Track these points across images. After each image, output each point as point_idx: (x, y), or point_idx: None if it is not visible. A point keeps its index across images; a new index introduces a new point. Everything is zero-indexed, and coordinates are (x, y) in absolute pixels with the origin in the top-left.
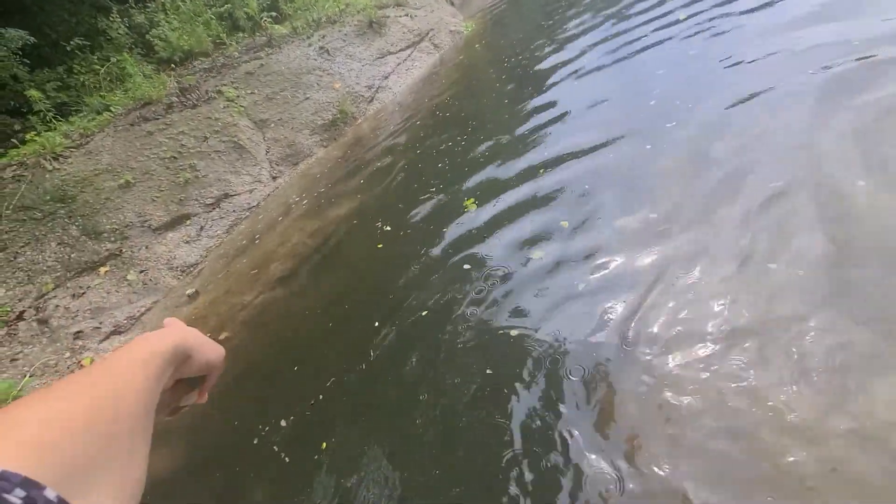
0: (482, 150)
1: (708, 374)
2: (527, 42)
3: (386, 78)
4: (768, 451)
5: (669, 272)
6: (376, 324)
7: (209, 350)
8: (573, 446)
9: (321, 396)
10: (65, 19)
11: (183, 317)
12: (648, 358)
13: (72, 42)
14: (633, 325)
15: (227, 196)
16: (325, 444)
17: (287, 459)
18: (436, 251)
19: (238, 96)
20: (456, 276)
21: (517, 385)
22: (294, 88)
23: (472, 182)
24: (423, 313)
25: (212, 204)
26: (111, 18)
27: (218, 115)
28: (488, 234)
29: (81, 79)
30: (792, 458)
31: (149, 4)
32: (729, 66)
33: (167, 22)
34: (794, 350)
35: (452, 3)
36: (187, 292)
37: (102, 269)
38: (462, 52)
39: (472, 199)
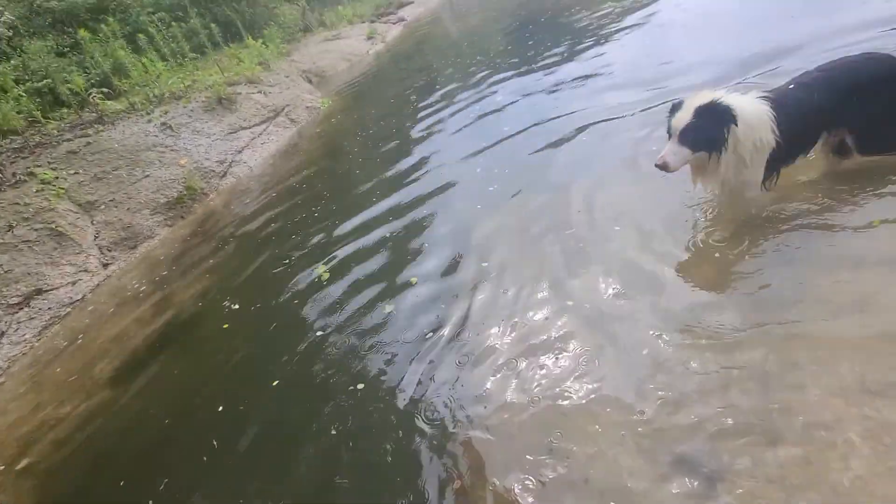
0: (336, 220)
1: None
2: (381, 115)
3: (240, 152)
4: None
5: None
6: (220, 408)
7: None
8: None
9: None
10: None
11: None
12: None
13: None
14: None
15: (39, 292)
16: None
17: None
18: (286, 324)
19: (57, 178)
20: (310, 345)
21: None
22: (130, 166)
23: (325, 251)
24: (272, 387)
25: (17, 304)
26: None
27: (28, 199)
28: (340, 301)
29: None
30: None
31: None
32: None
33: None
34: None
35: (310, 82)
36: None
37: None
38: (320, 126)
39: (325, 269)
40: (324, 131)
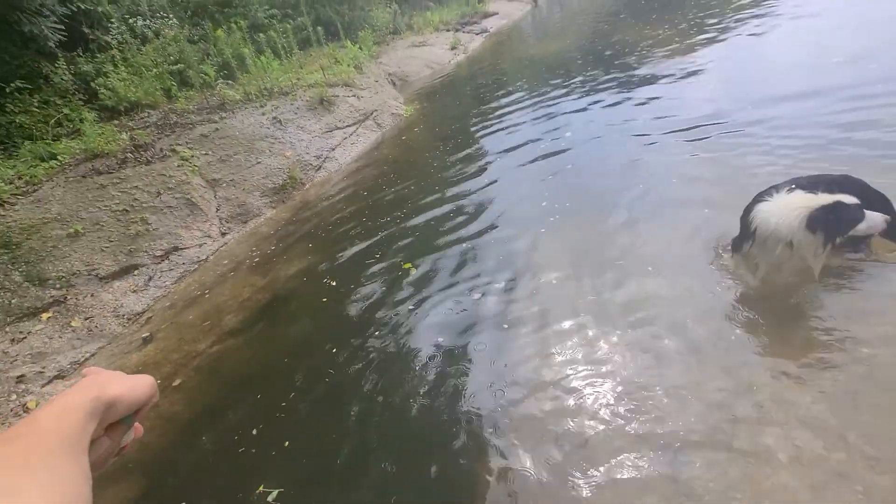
0: (420, 220)
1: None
2: (459, 128)
3: (333, 150)
4: None
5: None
6: (315, 371)
7: (133, 390)
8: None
9: (268, 427)
10: (6, 61)
11: (133, 363)
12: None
13: (11, 84)
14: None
15: (176, 249)
16: (261, 488)
17: (240, 495)
18: (376, 306)
19: (193, 156)
20: (392, 326)
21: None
22: (247, 153)
23: (410, 248)
24: (365, 360)
25: (161, 256)
26: (56, 65)
27: (172, 172)
28: (424, 292)
29: (17, 119)
30: None
31: (97, 55)
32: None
33: (115, 73)
34: None
35: (394, 85)
36: (143, 336)
37: (45, 315)
38: (403, 133)
39: (410, 263)
40: (406, 139)
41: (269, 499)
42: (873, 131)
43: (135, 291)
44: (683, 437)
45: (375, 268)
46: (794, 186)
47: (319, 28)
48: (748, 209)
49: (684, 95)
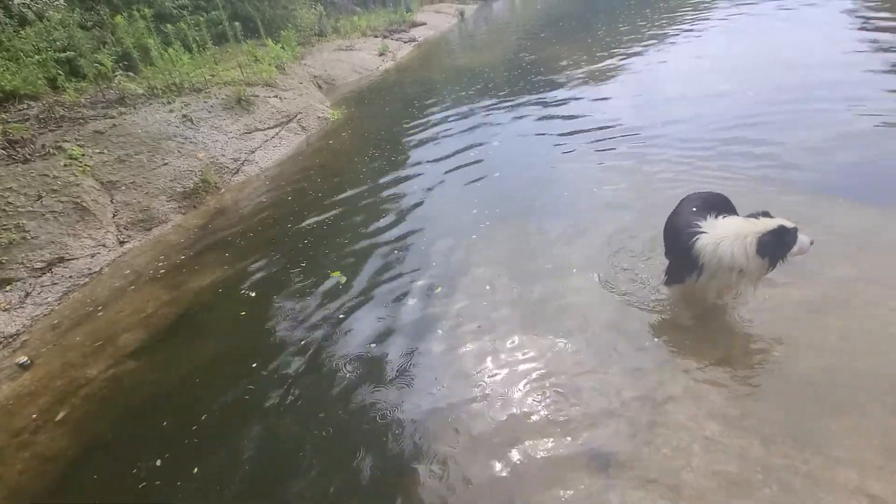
0: (346, 225)
1: None
2: (387, 135)
3: (252, 152)
4: None
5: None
6: (233, 389)
7: None
8: None
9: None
10: None
11: (5, 394)
12: None
13: None
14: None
15: (61, 260)
16: None
17: None
18: (301, 317)
19: (83, 155)
20: (320, 337)
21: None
22: (151, 153)
23: (338, 255)
24: (287, 375)
25: (42, 268)
26: None
27: (57, 172)
28: (353, 301)
29: None
30: None
31: None
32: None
33: None
34: None
35: (320, 88)
36: (17, 361)
37: None
38: (330, 137)
39: (339, 272)
40: (333, 143)
41: None
42: (747, 146)
43: (7, 310)
44: (601, 426)
45: (300, 277)
46: (716, 214)
47: (237, 23)
48: (687, 242)
49: (599, 110)
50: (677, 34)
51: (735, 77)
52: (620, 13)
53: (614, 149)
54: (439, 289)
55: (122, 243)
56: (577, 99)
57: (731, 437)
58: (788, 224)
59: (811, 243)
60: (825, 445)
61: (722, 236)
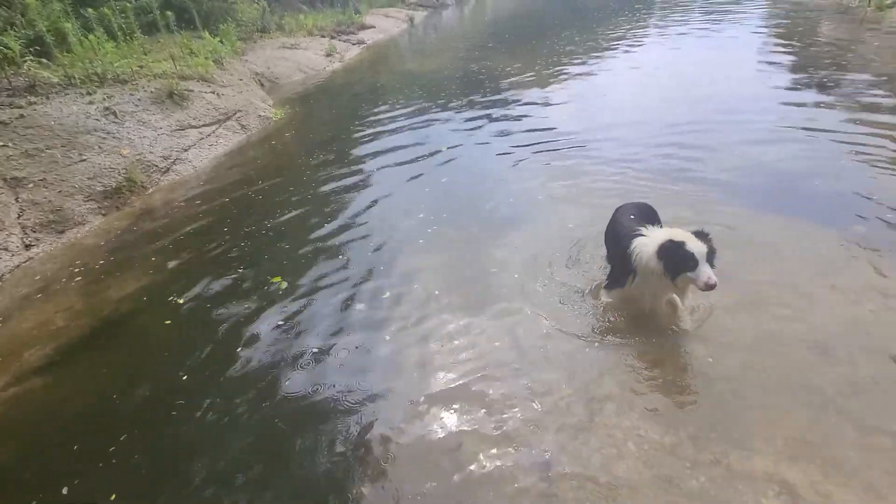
0: (289, 228)
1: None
2: (333, 137)
3: (186, 150)
4: None
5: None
6: (157, 405)
7: None
8: None
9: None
10: None
11: None
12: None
13: None
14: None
15: None
16: None
17: None
18: (237, 324)
19: None
20: (257, 346)
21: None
22: (66, 148)
23: (279, 260)
24: (219, 387)
25: None
26: None
27: None
28: (295, 306)
29: None
30: None
31: None
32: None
33: None
34: None
35: (262, 86)
36: None
37: None
38: (272, 137)
39: (280, 277)
40: (275, 144)
41: None
42: (682, 151)
43: None
44: (540, 429)
45: (237, 283)
46: (649, 223)
47: (169, 13)
48: (625, 247)
49: (543, 119)
50: (616, 48)
51: (664, 92)
52: (565, 28)
53: (557, 156)
54: (387, 294)
55: (28, 247)
56: (522, 107)
57: (662, 435)
58: (677, 238)
59: (709, 285)
60: (744, 439)
61: (646, 243)
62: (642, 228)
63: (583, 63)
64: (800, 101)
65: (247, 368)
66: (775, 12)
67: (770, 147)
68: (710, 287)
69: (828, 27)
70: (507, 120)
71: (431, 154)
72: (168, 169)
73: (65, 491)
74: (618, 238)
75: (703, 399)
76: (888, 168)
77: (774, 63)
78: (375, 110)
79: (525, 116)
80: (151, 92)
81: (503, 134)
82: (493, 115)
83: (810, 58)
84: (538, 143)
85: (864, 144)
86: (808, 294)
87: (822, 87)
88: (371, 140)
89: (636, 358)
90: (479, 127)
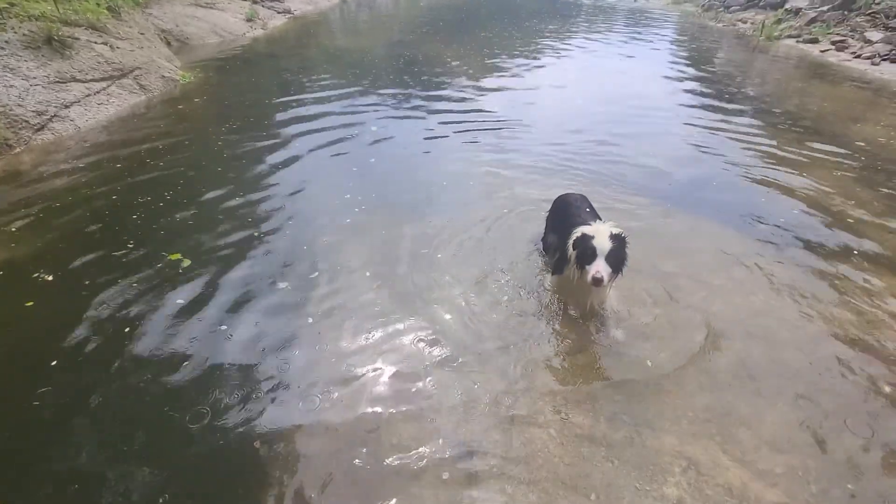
0: (194, 202)
1: None
2: (248, 105)
3: (67, 107)
4: None
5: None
6: (18, 395)
7: None
8: None
9: None
10: None
11: None
12: None
13: None
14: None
15: None
16: None
17: None
18: (120, 305)
19: None
20: (148, 328)
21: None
22: None
23: (181, 236)
24: (91, 378)
25: None
26: None
27: None
28: (196, 286)
29: None
30: None
31: None
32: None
33: None
34: None
35: (169, 45)
36: None
37: None
38: (179, 102)
39: (179, 254)
40: (183, 109)
41: None
42: (601, 147)
43: None
44: (464, 419)
45: (124, 259)
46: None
47: None
48: (566, 236)
49: (473, 103)
50: (552, 49)
51: (588, 90)
52: (498, 23)
53: (486, 141)
54: (315, 274)
55: None
56: (453, 92)
57: (581, 418)
58: (589, 232)
59: (595, 278)
60: (652, 420)
61: (575, 233)
62: (588, 219)
63: (513, 57)
64: (701, 111)
65: (134, 352)
66: (686, 30)
67: (675, 153)
68: (595, 281)
69: (727, 50)
70: (437, 102)
71: (360, 133)
72: (43, 126)
73: None
74: (564, 226)
75: (616, 384)
76: (772, 179)
77: (682, 74)
78: (301, 84)
79: (454, 101)
80: (24, 35)
81: (433, 115)
82: (424, 98)
83: (710, 74)
84: (467, 127)
85: (751, 158)
86: (708, 285)
87: (720, 99)
88: (294, 114)
89: (557, 343)
90: (409, 108)
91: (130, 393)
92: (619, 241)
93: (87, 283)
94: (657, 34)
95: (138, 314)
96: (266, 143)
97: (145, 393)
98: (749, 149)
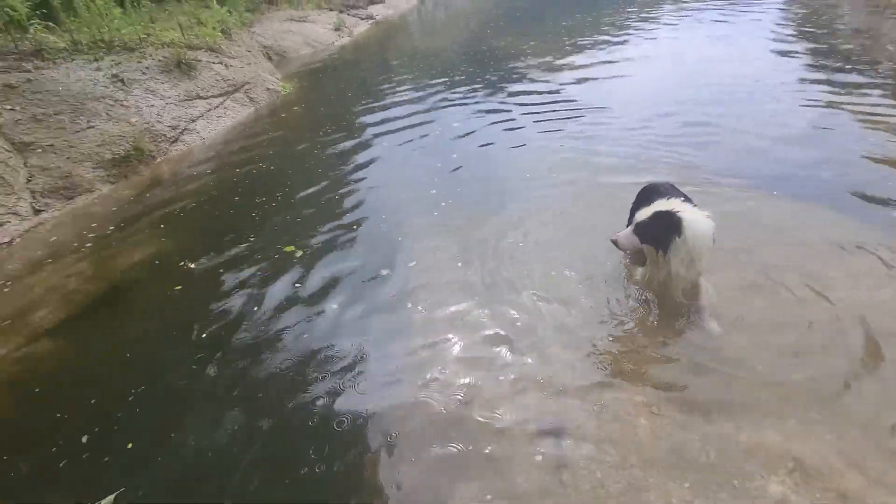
0: (300, 200)
1: None
2: (342, 111)
3: (194, 121)
4: None
5: None
6: (166, 366)
7: None
8: None
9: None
10: None
11: None
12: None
13: None
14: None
15: None
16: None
17: None
18: (246, 292)
19: None
20: (267, 313)
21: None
22: (74, 114)
23: (290, 231)
24: (228, 350)
25: None
26: None
27: None
28: (309, 275)
29: None
30: None
31: None
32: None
33: None
34: None
35: (270, 59)
36: None
37: None
38: (281, 111)
39: (293, 246)
40: (285, 117)
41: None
42: (696, 129)
43: None
44: (556, 399)
45: (248, 252)
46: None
47: None
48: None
49: (558, 97)
50: (636, 29)
51: (682, 73)
52: (578, 9)
53: (569, 129)
54: (413, 263)
55: (37, 212)
56: (532, 81)
57: (674, 407)
58: (648, 209)
59: (611, 240)
60: (754, 414)
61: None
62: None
63: (596, 43)
64: (815, 86)
65: (256, 333)
66: None
67: (783, 132)
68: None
69: (848, 12)
70: (517, 94)
71: (442, 130)
72: (176, 139)
73: (84, 439)
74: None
75: (714, 376)
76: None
77: (793, 50)
78: (385, 87)
79: (535, 91)
80: (159, 60)
81: (513, 108)
82: (503, 90)
83: (826, 42)
84: (549, 116)
85: (876, 137)
86: (820, 276)
87: (838, 74)
88: (381, 116)
89: (648, 332)
90: (489, 102)
91: (252, 364)
92: (657, 217)
93: (220, 271)
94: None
95: (262, 297)
96: (356, 142)
97: (267, 367)
98: (874, 127)
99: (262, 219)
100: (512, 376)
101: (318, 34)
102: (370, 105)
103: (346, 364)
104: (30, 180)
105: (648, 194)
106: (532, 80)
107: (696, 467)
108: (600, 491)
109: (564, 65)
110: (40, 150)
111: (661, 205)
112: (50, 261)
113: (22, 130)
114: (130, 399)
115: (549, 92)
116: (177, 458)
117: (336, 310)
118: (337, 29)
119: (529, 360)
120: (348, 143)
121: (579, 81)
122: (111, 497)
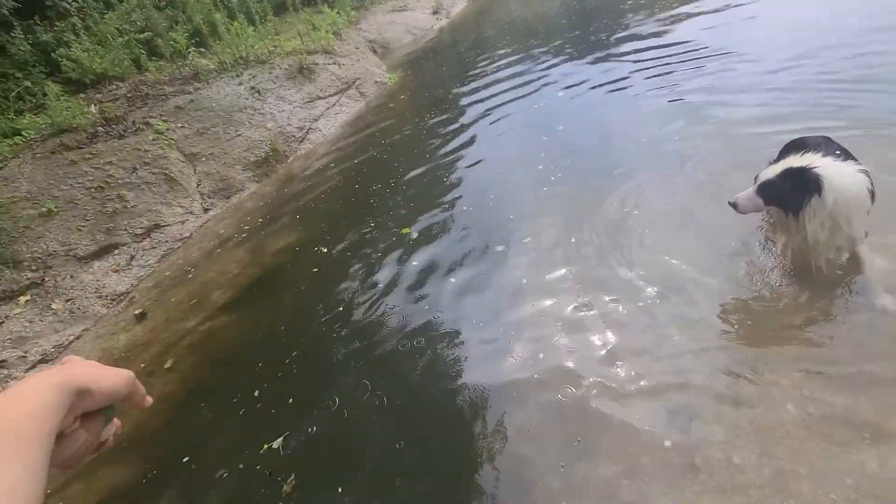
0: (412, 184)
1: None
2: (445, 95)
3: (316, 120)
4: None
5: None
6: (312, 338)
7: (109, 380)
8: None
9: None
10: None
11: (122, 344)
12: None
13: None
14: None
15: (157, 227)
16: (265, 446)
17: (247, 452)
18: (372, 271)
19: (168, 129)
20: (390, 289)
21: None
22: (226, 125)
23: (405, 214)
24: (364, 321)
25: (142, 234)
26: (13, 35)
27: (147, 146)
28: (426, 252)
29: None
30: None
31: (57, 24)
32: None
33: (77, 43)
34: None
35: (375, 52)
36: (135, 312)
37: (23, 298)
38: (389, 101)
39: (408, 228)
40: (392, 107)
41: (274, 445)
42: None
43: (116, 271)
44: (687, 383)
45: (370, 235)
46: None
47: None
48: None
49: (667, 57)
50: None
51: (816, 23)
52: None
53: (688, 82)
54: (528, 239)
55: (206, 210)
56: (640, 45)
57: (832, 396)
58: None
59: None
60: None
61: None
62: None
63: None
64: None
65: (383, 308)
66: None
67: None
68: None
69: None
70: (625, 60)
71: (545, 101)
72: (303, 139)
73: (256, 393)
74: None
75: (880, 361)
76: None
77: None
78: (485, 65)
79: (645, 56)
80: (285, 69)
81: (620, 76)
82: (609, 57)
83: None
84: (663, 70)
85: None
86: None
87: None
88: (483, 94)
89: (797, 313)
90: (595, 64)
91: (376, 340)
92: (790, 174)
93: (349, 254)
94: None
95: (384, 276)
96: (460, 124)
97: (389, 341)
98: None
99: (378, 204)
100: (634, 358)
101: (417, 21)
102: (471, 85)
103: (464, 339)
104: (199, 184)
105: (793, 149)
106: (642, 36)
107: (863, 465)
108: (740, 477)
109: (678, 20)
110: (204, 159)
111: (793, 160)
112: (219, 250)
113: (190, 143)
114: (286, 363)
115: (665, 46)
116: (326, 413)
117: (454, 286)
118: (435, 12)
119: (654, 344)
120: (451, 125)
121: (696, 22)
122: (280, 438)
